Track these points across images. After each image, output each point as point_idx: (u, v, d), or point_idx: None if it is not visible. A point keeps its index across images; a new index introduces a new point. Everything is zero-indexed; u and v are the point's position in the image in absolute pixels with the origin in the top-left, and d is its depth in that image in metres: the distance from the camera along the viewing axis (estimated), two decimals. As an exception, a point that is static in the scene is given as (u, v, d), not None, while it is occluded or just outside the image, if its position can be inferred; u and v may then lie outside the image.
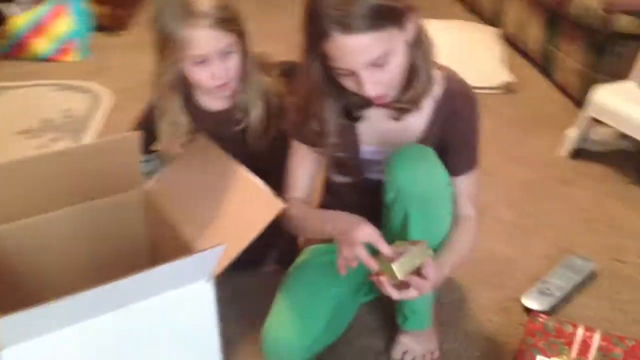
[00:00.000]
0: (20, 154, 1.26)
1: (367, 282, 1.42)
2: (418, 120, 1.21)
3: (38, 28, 2.97)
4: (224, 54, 1.31)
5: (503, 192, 1.88)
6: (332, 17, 1.02)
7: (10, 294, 1.26)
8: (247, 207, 1.22)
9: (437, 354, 1.31)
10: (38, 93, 2.65)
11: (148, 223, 1.37)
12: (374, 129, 1.22)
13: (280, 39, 1.56)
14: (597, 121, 2.06)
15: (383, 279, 1.07)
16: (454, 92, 1.21)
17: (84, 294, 0.93)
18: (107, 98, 2.56)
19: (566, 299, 1.45)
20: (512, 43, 2.95)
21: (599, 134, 2.09)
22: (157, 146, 1.51)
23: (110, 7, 3.35)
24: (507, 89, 2.54)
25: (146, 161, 1.49)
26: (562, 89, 2.49)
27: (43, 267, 1.38)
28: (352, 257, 1.07)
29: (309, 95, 1.18)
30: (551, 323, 1.28)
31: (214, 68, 1.30)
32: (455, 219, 1.25)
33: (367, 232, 1.07)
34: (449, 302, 1.46)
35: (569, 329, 1.27)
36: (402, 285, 1.08)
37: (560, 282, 1.48)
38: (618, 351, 1.21)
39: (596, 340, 1.24)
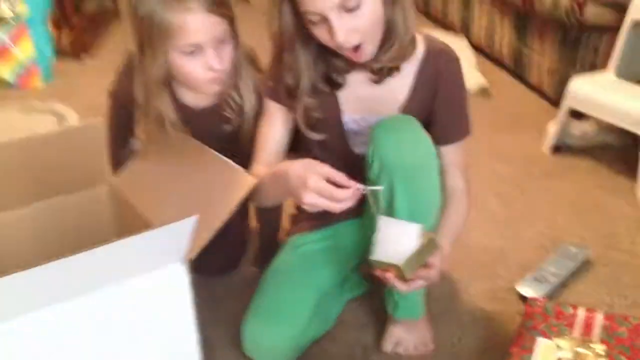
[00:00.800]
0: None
1: (351, 277, 1.35)
2: (400, 84, 1.15)
3: (-1, 53, 2.88)
4: (219, 42, 1.20)
5: (489, 186, 1.82)
6: None
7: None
8: (218, 186, 1.13)
9: (431, 346, 1.22)
10: (3, 117, 2.55)
11: (117, 217, 1.27)
12: (356, 96, 1.16)
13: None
14: (577, 117, 2.04)
15: (390, 275, 1.01)
16: (436, 52, 1.15)
17: (51, 265, 0.83)
18: (72, 118, 2.47)
19: (563, 285, 1.38)
20: (483, 51, 2.94)
21: (580, 129, 2.05)
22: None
23: (72, 32, 3.28)
24: (483, 94, 2.51)
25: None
26: (537, 90, 2.47)
27: (2, 271, 1.28)
28: (317, 200, 0.95)
29: (281, 42, 1.11)
30: (550, 306, 1.21)
31: (208, 58, 1.19)
32: (446, 191, 1.18)
33: (316, 170, 0.96)
34: (441, 294, 1.37)
35: (569, 310, 1.20)
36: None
37: (555, 269, 1.41)
38: (622, 330, 1.14)
39: (599, 319, 1.17)
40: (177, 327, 1.07)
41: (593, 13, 2.06)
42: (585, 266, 1.45)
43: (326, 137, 1.19)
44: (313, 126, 1.18)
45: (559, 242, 1.52)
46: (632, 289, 1.38)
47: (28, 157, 1.18)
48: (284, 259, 1.27)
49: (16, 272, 0.80)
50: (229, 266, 1.49)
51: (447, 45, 1.19)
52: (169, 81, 1.29)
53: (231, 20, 1.22)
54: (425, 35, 1.19)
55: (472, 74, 2.62)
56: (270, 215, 1.44)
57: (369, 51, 1.08)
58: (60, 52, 3.18)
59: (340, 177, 0.95)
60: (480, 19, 2.96)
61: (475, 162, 1.92)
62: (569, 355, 1.08)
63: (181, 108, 1.32)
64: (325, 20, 1.02)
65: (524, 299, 1.33)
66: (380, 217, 1.04)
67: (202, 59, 1.19)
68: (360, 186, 0.95)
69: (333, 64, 1.14)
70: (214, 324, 1.30)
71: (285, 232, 1.41)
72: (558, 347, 1.10)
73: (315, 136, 1.19)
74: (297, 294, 1.18)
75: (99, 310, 0.97)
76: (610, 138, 2.02)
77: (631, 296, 1.35)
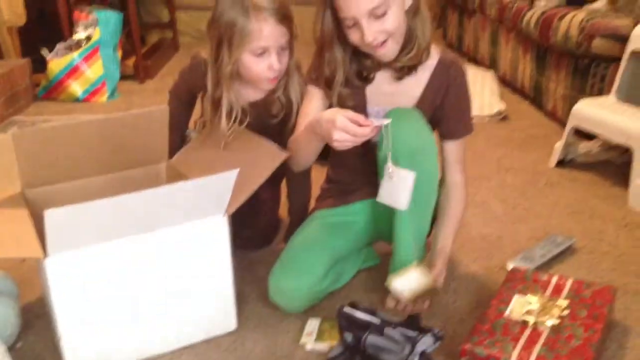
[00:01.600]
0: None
1: (364, 250, 1.59)
2: (416, 85, 1.43)
3: (72, 71, 3.27)
4: (282, 49, 1.50)
5: (495, 192, 2.05)
6: None
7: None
8: (256, 159, 1.41)
9: (427, 302, 1.45)
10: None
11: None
12: (380, 91, 1.43)
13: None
14: (582, 137, 2.26)
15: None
16: (447, 62, 1.43)
17: (116, 199, 1.10)
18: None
19: (547, 265, 1.59)
20: (509, 83, 3.20)
21: (584, 148, 2.27)
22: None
23: (137, 59, 3.66)
24: (502, 116, 2.75)
25: (195, 133, 1.69)
26: (552, 116, 2.70)
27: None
28: (345, 136, 1.21)
29: (323, 41, 1.39)
30: (529, 273, 1.43)
31: (272, 60, 1.47)
32: (446, 185, 1.44)
33: (342, 113, 1.22)
34: (440, 268, 1.60)
35: (544, 277, 1.41)
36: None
37: (542, 252, 1.62)
38: (587, 292, 1.35)
39: (568, 284, 1.38)
40: (217, 270, 1.32)
41: (599, 45, 2.29)
42: (570, 252, 1.66)
43: None
44: None
45: (549, 234, 1.73)
46: (608, 272, 1.58)
47: (105, 135, 1.46)
48: (307, 227, 1.53)
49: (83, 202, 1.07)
50: (262, 242, 1.75)
51: (457, 58, 1.46)
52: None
53: (291, 35, 1.52)
54: (441, 48, 1.46)
55: (495, 101, 2.86)
56: (300, 197, 1.70)
57: (391, 48, 1.36)
58: (125, 75, 3.56)
59: (360, 117, 1.22)
60: (506, 54, 3.21)
61: (486, 173, 2.18)
62: (537, 307, 1.30)
63: (237, 113, 1.58)
64: (358, 24, 1.31)
65: (511, 273, 1.54)
66: (385, 167, 1.29)
67: (267, 60, 1.48)
68: (375, 122, 1.21)
69: (364, 63, 1.42)
70: (246, 282, 1.55)
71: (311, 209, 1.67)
72: (529, 301, 1.32)
73: None
74: (315, 253, 1.43)
75: (157, 248, 1.24)
76: (612, 155, 2.22)
77: (607, 277, 1.55)
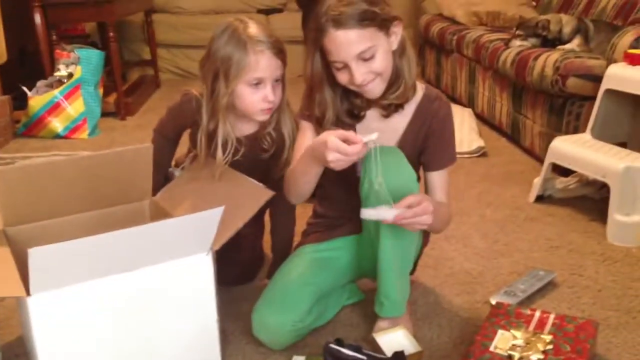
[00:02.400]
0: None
1: (349, 286, 1.60)
2: (401, 121, 1.46)
3: (53, 108, 3.26)
4: (276, 82, 1.54)
5: (476, 227, 2.07)
6: (328, 16, 1.31)
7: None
8: (242, 198, 1.42)
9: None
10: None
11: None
12: (369, 128, 1.45)
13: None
14: (560, 173, 2.31)
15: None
16: (432, 97, 1.46)
17: (100, 237, 1.10)
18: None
19: (529, 299, 1.61)
20: (486, 120, 3.26)
21: (562, 183, 2.31)
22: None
23: (118, 96, 3.67)
24: (481, 153, 2.80)
25: (178, 171, 1.69)
26: (529, 152, 2.76)
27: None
28: (337, 156, 1.22)
29: (312, 83, 1.42)
30: (512, 308, 1.44)
31: (267, 91, 1.51)
32: None
33: (333, 134, 1.23)
34: (424, 303, 1.61)
35: (527, 312, 1.42)
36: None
37: (524, 286, 1.64)
38: (570, 326, 1.36)
39: (551, 318, 1.39)
40: (201, 309, 1.32)
41: (574, 84, 2.36)
42: (551, 286, 1.68)
43: None
44: None
45: (531, 269, 1.76)
46: (589, 306, 1.60)
47: (88, 172, 1.46)
48: (291, 262, 1.53)
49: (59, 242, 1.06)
50: (245, 278, 1.74)
51: (440, 93, 1.50)
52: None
53: (284, 69, 1.56)
54: (425, 84, 1.50)
55: (473, 137, 2.91)
56: (284, 234, 1.71)
57: (378, 85, 1.39)
58: (106, 112, 3.57)
59: (349, 134, 1.24)
60: (484, 93, 3.28)
61: (466, 208, 2.21)
62: (521, 342, 1.31)
63: (232, 143, 1.59)
64: (347, 66, 1.34)
65: (494, 308, 1.56)
66: (375, 180, 1.30)
67: (262, 92, 1.52)
68: (364, 139, 1.23)
69: (354, 102, 1.45)
70: (230, 318, 1.54)
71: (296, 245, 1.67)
72: (514, 336, 1.33)
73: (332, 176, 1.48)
74: (299, 289, 1.43)
75: (139, 287, 1.24)
76: (589, 191, 2.27)
77: (588, 311, 1.57)
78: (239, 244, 1.62)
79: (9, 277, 1.19)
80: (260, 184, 1.46)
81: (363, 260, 1.53)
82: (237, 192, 1.45)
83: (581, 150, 2.10)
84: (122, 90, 3.68)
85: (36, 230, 1.45)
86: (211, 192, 1.50)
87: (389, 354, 1.32)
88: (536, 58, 2.57)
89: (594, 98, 2.23)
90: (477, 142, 2.85)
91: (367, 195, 1.36)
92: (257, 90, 1.52)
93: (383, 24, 1.33)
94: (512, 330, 1.35)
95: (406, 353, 1.31)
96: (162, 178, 1.72)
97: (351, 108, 1.45)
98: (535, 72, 2.53)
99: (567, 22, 2.79)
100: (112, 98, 3.70)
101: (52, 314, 1.15)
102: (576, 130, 2.38)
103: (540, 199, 2.27)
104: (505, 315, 1.41)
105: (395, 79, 1.40)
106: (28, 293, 1.12)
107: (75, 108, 3.29)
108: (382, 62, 1.34)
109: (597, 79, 2.24)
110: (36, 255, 1.05)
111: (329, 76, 1.40)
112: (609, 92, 2.14)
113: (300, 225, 1.69)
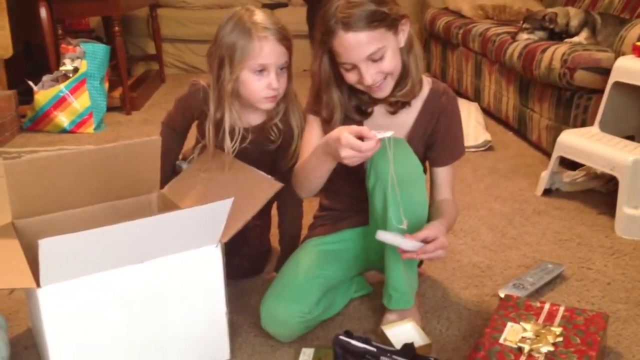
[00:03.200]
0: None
1: (356, 279, 1.60)
2: (409, 116, 1.45)
3: (59, 103, 3.26)
4: (281, 69, 1.52)
5: (484, 221, 2.06)
6: (337, 18, 1.29)
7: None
8: (250, 189, 1.41)
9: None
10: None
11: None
12: (377, 124, 1.45)
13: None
14: (567, 167, 2.30)
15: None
16: (439, 91, 1.46)
17: (109, 228, 1.09)
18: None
19: (538, 292, 1.60)
20: (492, 114, 3.25)
21: (570, 177, 2.30)
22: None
23: (124, 91, 3.67)
24: (488, 147, 2.79)
25: (186, 164, 1.68)
26: (537, 146, 2.74)
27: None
28: (351, 152, 1.21)
29: (320, 83, 1.41)
30: (521, 301, 1.43)
31: (271, 78, 1.50)
32: (435, 204, 1.45)
33: (346, 130, 1.22)
34: (433, 296, 1.61)
35: (537, 304, 1.42)
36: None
37: (533, 279, 1.63)
38: (580, 319, 1.35)
39: (561, 311, 1.39)
40: (211, 301, 1.32)
41: (582, 77, 2.35)
42: (560, 279, 1.67)
43: None
44: None
45: (540, 262, 1.75)
46: (599, 299, 1.59)
47: (97, 165, 1.46)
48: (298, 255, 1.53)
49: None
50: (252, 271, 1.74)
51: (447, 87, 1.49)
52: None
53: (290, 56, 1.54)
54: (431, 78, 1.49)
55: (480, 132, 2.90)
56: (292, 226, 1.71)
57: (388, 87, 1.38)
58: (111, 106, 3.57)
59: (363, 129, 1.22)
60: (490, 86, 3.27)
61: (474, 202, 2.20)
62: (531, 334, 1.30)
63: (238, 131, 1.58)
64: (356, 67, 1.33)
65: (503, 301, 1.55)
66: (381, 233, 1.30)
67: (265, 79, 1.50)
68: (378, 135, 1.22)
69: (362, 99, 1.44)
70: (238, 311, 1.54)
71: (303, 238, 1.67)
72: (523, 329, 1.32)
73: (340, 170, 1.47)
74: (307, 280, 1.43)
75: (149, 278, 1.24)
76: (597, 184, 2.26)
77: (597, 304, 1.57)
78: (246, 237, 1.62)
79: (18, 269, 1.19)
80: (269, 176, 1.46)
81: (370, 251, 1.52)
82: (245, 184, 1.45)
83: (589, 144, 2.09)
84: (127, 85, 3.68)
85: (45, 223, 1.46)
86: (219, 185, 1.50)
87: (397, 346, 1.31)
88: (543, 51, 2.56)
89: (601, 91, 2.22)
90: (484, 136, 2.84)
91: (374, 188, 1.35)
92: (261, 78, 1.51)
93: (392, 23, 1.32)
94: (521, 323, 1.34)
95: (415, 345, 1.30)
96: (169, 170, 1.71)
97: (359, 104, 1.44)
98: (543, 65, 2.52)
99: (575, 15, 2.78)
100: (117, 92, 3.70)
101: (62, 306, 1.15)
102: (584, 123, 2.37)
103: (547, 192, 2.26)
104: (514, 307, 1.41)
105: (402, 76, 1.40)
106: (38, 284, 1.12)
107: (81, 102, 3.29)
108: (391, 62, 1.34)
109: (605, 72, 2.23)
110: (46, 247, 1.05)
111: (336, 77, 1.40)
112: (617, 85, 2.13)
113: (307, 220, 1.69)
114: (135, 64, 4.83)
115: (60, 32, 3.60)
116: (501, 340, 1.29)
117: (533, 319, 1.36)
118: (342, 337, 1.23)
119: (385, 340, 1.37)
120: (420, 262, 1.55)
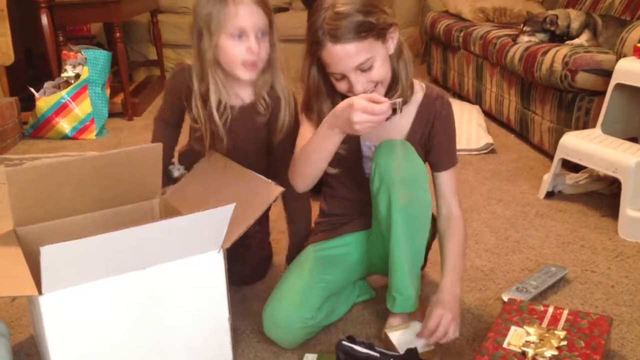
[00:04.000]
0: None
1: (359, 283, 1.59)
2: (405, 121, 1.45)
3: (61, 109, 3.27)
4: (260, 34, 1.49)
5: (487, 224, 2.06)
6: (325, 30, 1.28)
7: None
8: (251, 193, 1.41)
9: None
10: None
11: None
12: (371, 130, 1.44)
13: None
14: (570, 169, 2.30)
15: None
16: (433, 96, 1.45)
17: (111, 234, 1.09)
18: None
19: (541, 295, 1.60)
20: (494, 116, 3.25)
21: (572, 179, 2.29)
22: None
23: (126, 97, 3.67)
24: (490, 150, 2.78)
25: (177, 169, 1.68)
26: (539, 149, 2.74)
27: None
28: (365, 117, 1.20)
29: (310, 94, 1.41)
30: (525, 304, 1.43)
31: (251, 42, 1.48)
32: (441, 219, 1.44)
33: (357, 101, 1.21)
34: (436, 300, 1.60)
35: (540, 308, 1.41)
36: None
37: (536, 283, 1.63)
38: (584, 322, 1.35)
39: (564, 314, 1.38)
40: (213, 306, 1.32)
41: (583, 79, 2.35)
42: (563, 283, 1.66)
43: (346, 158, 1.45)
44: (339, 160, 1.43)
45: (543, 265, 1.74)
46: (602, 302, 1.58)
47: (98, 171, 1.46)
48: (300, 261, 1.52)
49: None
50: (253, 277, 1.74)
51: (442, 91, 1.48)
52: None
53: (270, 20, 1.52)
54: (426, 83, 1.49)
55: (481, 134, 2.90)
56: (302, 218, 1.70)
57: (380, 94, 1.37)
58: (113, 112, 3.58)
59: (373, 95, 1.23)
60: (491, 89, 3.26)
61: (476, 205, 2.19)
62: (535, 338, 1.30)
63: (225, 106, 1.57)
64: (345, 77, 1.33)
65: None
66: (392, 334, 1.37)
67: (245, 44, 1.48)
68: (390, 100, 1.22)
69: None
70: (241, 317, 1.54)
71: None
72: (527, 333, 1.32)
73: (336, 171, 1.47)
74: (309, 285, 1.42)
75: (152, 284, 1.23)
76: (599, 187, 2.25)
77: (601, 307, 1.56)
78: (247, 242, 1.62)
79: (20, 276, 1.19)
80: (270, 181, 1.45)
81: (373, 255, 1.52)
82: (246, 189, 1.44)
83: (592, 146, 2.09)
84: (128, 91, 3.68)
85: (47, 230, 1.46)
86: (221, 190, 1.49)
87: (401, 350, 1.31)
88: (545, 53, 2.56)
89: (603, 93, 2.22)
90: (486, 139, 2.84)
91: (378, 191, 1.35)
92: (240, 43, 1.48)
93: (380, 32, 1.31)
94: (525, 327, 1.33)
95: (419, 350, 1.30)
96: (165, 167, 1.70)
97: None
98: (544, 67, 2.52)
99: (576, 17, 2.78)
100: (119, 98, 3.71)
101: (63, 313, 1.15)
102: (586, 125, 2.37)
103: (550, 195, 2.26)
104: (518, 311, 1.40)
105: (393, 83, 1.39)
106: (40, 292, 1.12)
107: (82, 109, 3.29)
108: (381, 71, 1.33)
109: (607, 74, 2.23)
110: (48, 254, 1.05)
111: (326, 85, 1.39)
112: (619, 86, 2.13)
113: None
114: (136, 70, 4.84)
115: (61, 38, 3.61)
116: (505, 345, 1.28)
117: (537, 322, 1.36)
118: (344, 343, 1.22)
119: (388, 344, 1.36)
120: (424, 264, 1.54)
